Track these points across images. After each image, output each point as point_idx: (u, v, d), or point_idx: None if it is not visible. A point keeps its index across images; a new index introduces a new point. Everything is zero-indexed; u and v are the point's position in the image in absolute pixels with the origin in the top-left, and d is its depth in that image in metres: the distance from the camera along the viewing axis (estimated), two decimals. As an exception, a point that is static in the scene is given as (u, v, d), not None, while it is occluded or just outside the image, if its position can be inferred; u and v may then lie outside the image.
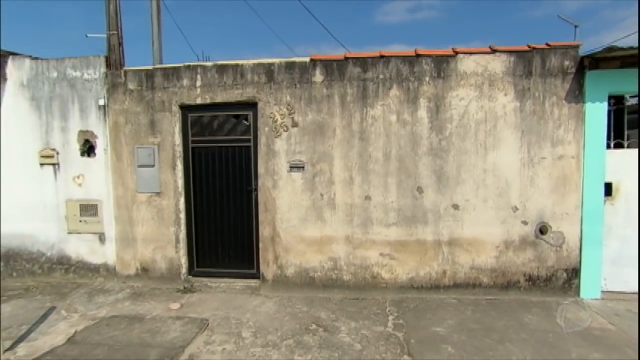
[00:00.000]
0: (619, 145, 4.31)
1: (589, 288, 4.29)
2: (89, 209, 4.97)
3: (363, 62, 4.44)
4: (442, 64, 4.34)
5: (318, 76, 4.49)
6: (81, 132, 4.95)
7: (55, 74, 4.96)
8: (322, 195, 4.54)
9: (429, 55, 4.36)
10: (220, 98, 4.65)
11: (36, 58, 5.03)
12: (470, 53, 4.30)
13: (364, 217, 4.50)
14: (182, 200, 4.81)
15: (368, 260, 4.51)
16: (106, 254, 5.00)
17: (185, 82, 4.70)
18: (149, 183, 4.84)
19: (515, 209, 4.34)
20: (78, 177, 4.99)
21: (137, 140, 4.84)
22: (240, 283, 4.75)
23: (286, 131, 4.55)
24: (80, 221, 4.98)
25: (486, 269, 4.39)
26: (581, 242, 4.28)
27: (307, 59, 4.52)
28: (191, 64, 4.73)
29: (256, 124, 4.64)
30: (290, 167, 4.56)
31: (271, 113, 4.56)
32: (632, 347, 3.24)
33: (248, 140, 4.72)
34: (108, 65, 4.92)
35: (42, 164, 5.01)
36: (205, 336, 3.53)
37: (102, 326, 3.74)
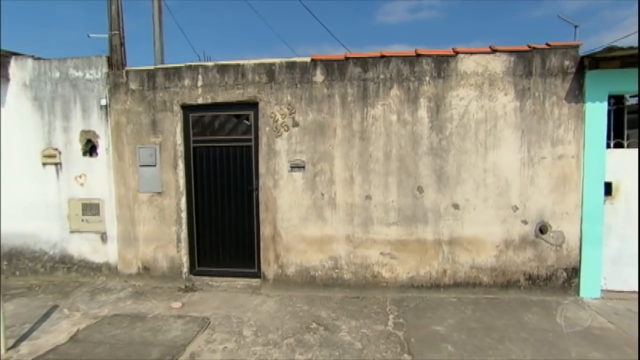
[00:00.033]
0: (618, 145, 4.32)
1: (589, 287, 4.30)
2: (91, 209, 5.00)
3: (364, 62, 4.45)
4: (443, 63, 4.36)
5: (319, 76, 4.51)
6: (83, 132, 4.97)
7: (57, 74, 4.99)
8: (322, 194, 4.55)
9: (429, 55, 4.37)
10: (221, 98, 4.67)
11: (39, 58, 5.06)
12: (471, 53, 4.31)
13: (364, 217, 4.51)
14: (183, 199, 4.83)
15: (368, 260, 4.53)
16: (108, 253, 5.02)
17: (186, 82, 4.72)
18: (151, 182, 4.86)
19: (516, 208, 4.35)
20: (80, 176, 5.02)
21: (139, 140, 4.86)
22: (241, 282, 4.78)
23: (287, 131, 4.57)
24: (83, 220, 5.01)
25: (486, 268, 4.41)
26: (581, 241, 4.29)
27: (308, 59, 4.54)
28: (192, 64, 4.75)
29: (257, 123, 4.66)
30: (291, 166, 4.57)
31: (272, 113, 4.58)
32: (632, 346, 3.25)
33: (249, 140, 4.73)
34: (110, 65, 4.95)
35: (44, 164, 5.04)
36: (206, 335, 3.56)
37: (104, 325, 3.77)
